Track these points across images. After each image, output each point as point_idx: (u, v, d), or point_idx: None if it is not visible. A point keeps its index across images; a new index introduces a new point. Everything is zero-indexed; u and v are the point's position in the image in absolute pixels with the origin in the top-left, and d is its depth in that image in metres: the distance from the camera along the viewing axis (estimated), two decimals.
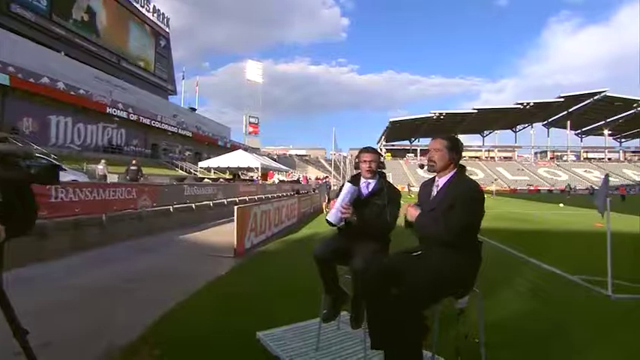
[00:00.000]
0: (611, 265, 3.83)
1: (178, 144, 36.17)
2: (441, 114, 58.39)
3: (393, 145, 70.71)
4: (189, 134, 36.86)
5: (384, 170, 2.54)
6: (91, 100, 25.40)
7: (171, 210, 9.00)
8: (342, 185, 2.41)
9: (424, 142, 70.49)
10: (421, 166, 2.43)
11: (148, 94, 35.15)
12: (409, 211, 2.02)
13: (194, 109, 46.12)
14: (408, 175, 53.18)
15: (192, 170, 29.55)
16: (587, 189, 44.82)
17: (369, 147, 2.53)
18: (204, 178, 23.31)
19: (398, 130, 65.34)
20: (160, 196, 8.74)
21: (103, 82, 28.72)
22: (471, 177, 2.08)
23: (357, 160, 2.53)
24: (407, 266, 1.90)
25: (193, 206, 10.17)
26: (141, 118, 29.74)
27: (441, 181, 2.04)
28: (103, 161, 13.73)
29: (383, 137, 68.69)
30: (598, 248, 6.66)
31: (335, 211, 2.30)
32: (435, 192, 2.04)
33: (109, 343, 2.57)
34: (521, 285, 4.14)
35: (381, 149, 64.37)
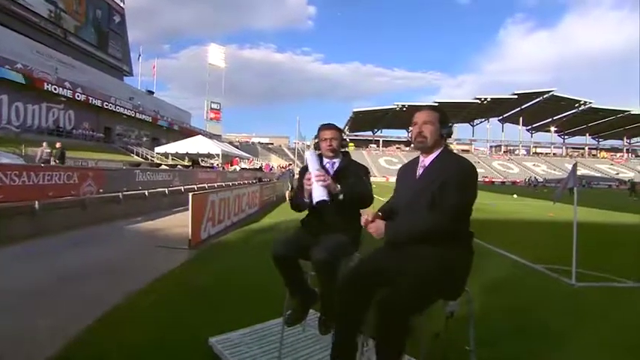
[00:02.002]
0: (576, 255, 3.86)
1: (135, 128, 33.99)
2: (403, 106, 59.36)
3: (356, 136, 71.19)
4: (148, 118, 34.74)
5: (347, 150, 2.29)
6: (31, 76, 22.93)
7: (121, 197, 8.22)
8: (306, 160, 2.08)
9: (386, 132, 72.03)
10: (407, 144, 2.09)
11: (100, 73, 32.39)
12: (372, 228, 1.65)
13: (152, 92, 43.50)
14: (371, 165, 53.86)
15: (148, 156, 27.93)
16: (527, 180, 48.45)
17: (329, 123, 2.25)
18: (160, 164, 22.08)
19: (361, 121, 65.88)
20: (107, 182, 7.95)
21: (46, 57, 25.91)
22: None
23: (316, 139, 2.26)
24: (388, 265, 1.59)
25: (146, 193, 9.39)
26: (91, 98, 27.39)
27: (427, 161, 1.70)
28: (45, 143, 12.41)
29: (347, 127, 68.92)
30: (554, 237, 6.98)
31: (316, 186, 1.89)
32: (420, 172, 1.70)
33: (26, 358, 2.13)
34: (490, 277, 4.06)
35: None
